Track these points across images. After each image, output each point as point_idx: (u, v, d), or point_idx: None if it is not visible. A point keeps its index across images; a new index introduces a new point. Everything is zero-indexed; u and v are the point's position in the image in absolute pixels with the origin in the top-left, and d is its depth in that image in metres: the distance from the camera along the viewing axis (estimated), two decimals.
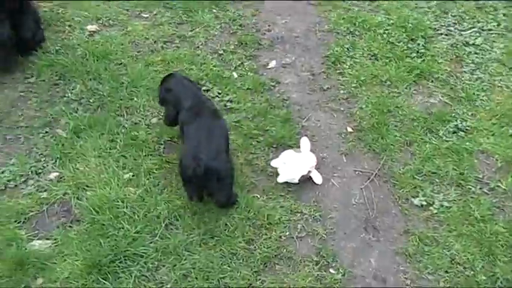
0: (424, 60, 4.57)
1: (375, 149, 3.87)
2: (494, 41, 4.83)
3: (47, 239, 3.20)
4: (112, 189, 3.40)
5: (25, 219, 3.28)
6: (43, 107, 3.95)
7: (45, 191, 3.43)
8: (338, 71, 4.46)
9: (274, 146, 3.81)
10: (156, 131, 3.82)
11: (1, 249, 3.11)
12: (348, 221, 3.44)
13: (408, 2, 5.23)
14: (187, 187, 3.31)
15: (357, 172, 3.73)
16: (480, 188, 3.64)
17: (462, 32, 4.91)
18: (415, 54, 4.62)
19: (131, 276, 3.05)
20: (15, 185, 3.46)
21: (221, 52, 4.54)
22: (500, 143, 3.91)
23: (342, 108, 4.16)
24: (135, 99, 4.04)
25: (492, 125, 4.06)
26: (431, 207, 3.53)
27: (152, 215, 3.32)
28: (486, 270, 3.21)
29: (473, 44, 4.77)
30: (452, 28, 4.95)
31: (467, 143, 3.90)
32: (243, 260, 3.17)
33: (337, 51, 4.62)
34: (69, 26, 4.46)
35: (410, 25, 4.87)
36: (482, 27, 4.98)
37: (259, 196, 3.50)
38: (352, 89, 4.30)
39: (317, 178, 3.62)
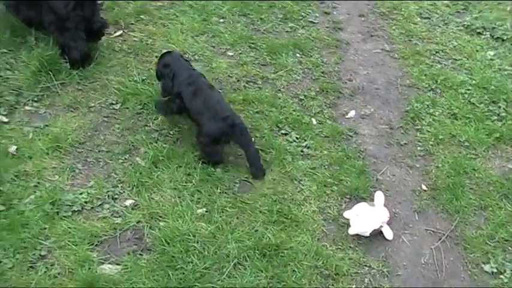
0: (504, 123, 4.48)
1: (448, 210, 3.78)
2: None
3: (117, 264, 3.24)
4: (184, 223, 3.44)
5: (98, 242, 3.34)
6: (125, 134, 4.05)
7: (119, 216, 3.49)
8: (416, 127, 4.42)
9: (348, 196, 3.79)
10: (232, 169, 3.86)
11: (73, 269, 3.16)
12: (416, 280, 3.37)
13: (492, 62, 5.16)
14: (213, 150, 3.80)
15: (428, 231, 3.66)
16: None
17: None
18: (495, 117, 4.54)
19: None
20: (92, 207, 3.52)
21: (302, 97, 4.57)
22: None
23: (417, 165, 4.11)
24: None
25: None
26: (501, 276, 3.42)
27: (222, 253, 3.33)
28: None
29: None
30: None
31: None
32: None
33: (416, 107, 4.58)
34: (156, 56, 4.56)
35: (492, 87, 4.79)
36: None
37: (328, 245, 3.48)
38: (430, 146, 4.24)
39: (388, 234, 3.57)
